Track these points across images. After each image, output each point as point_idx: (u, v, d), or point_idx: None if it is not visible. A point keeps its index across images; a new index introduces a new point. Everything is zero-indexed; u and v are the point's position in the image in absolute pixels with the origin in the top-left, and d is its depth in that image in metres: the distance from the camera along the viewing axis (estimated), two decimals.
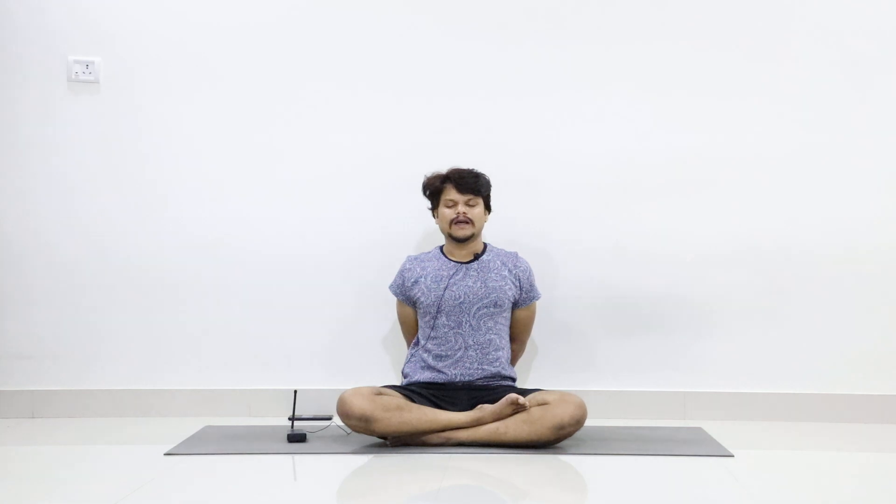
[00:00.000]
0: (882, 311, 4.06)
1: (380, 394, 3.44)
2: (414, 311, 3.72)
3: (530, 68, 4.13)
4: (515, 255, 3.76)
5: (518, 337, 3.82)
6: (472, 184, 3.65)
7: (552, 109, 4.13)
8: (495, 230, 3.84)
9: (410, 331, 3.79)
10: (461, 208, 3.64)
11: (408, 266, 3.74)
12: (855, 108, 4.08)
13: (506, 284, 3.67)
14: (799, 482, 3.05)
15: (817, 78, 4.09)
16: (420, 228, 4.03)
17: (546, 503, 2.92)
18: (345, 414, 3.38)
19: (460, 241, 3.66)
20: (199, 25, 4.14)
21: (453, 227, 3.64)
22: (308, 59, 4.14)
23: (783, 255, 4.09)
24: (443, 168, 3.71)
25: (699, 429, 3.79)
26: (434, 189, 3.69)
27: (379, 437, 3.43)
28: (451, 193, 3.65)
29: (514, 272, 3.70)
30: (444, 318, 3.62)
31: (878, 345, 4.05)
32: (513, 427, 3.38)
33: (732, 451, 3.36)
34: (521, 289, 3.71)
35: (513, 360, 3.82)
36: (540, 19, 4.13)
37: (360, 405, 3.35)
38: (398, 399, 3.44)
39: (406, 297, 3.71)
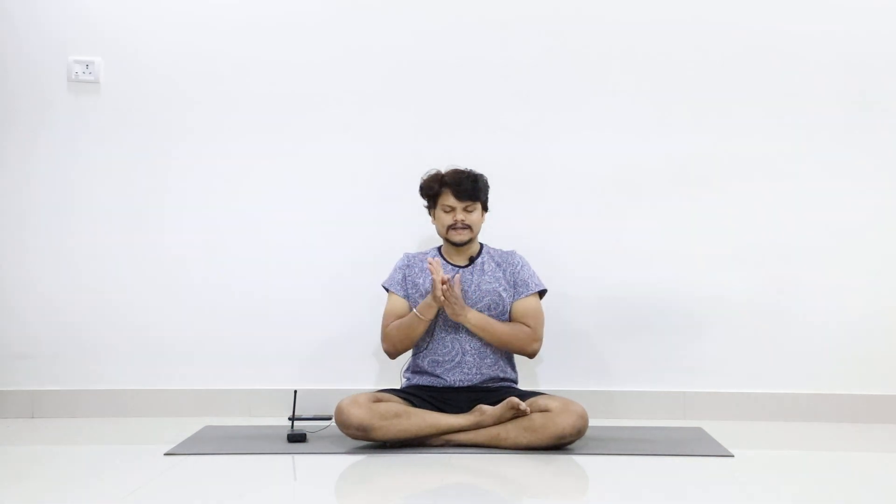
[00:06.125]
0: (882, 311, 4.06)
1: (378, 400, 3.42)
2: (409, 304, 3.70)
3: (532, 69, 4.13)
4: (511, 254, 3.74)
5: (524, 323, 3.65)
6: (470, 190, 3.60)
7: (553, 111, 4.13)
8: (496, 231, 3.83)
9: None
10: (459, 215, 3.60)
11: (407, 263, 3.72)
12: (855, 108, 4.08)
13: (499, 286, 3.65)
14: (799, 482, 3.05)
15: (817, 79, 4.09)
16: (418, 229, 4.02)
17: (546, 502, 2.92)
18: (343, 423, 3.36)
19: (457, 245, 3.66)
20: (199, 26, 4.15)
21: (451, 232, 3.62)
22: (308, 60, 4.14)
23: (783, 255, 4.09)
24: (441, 166, 3.69)
25: (699, 429, 3.79)
26: (431, 192, 3.65)
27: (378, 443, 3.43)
28: (448, 199, 3.61)
29: (508, 270, 3.69)
30: (441, 325, 3.61)
31: (878, 345, 4.05)
32: (513, 434, 3.37)
33: (732, 451, 3.36)
34: (514, 284, 3.69)
35: (522, 339, 3.61)
36: (542, 19, 4.13)
37: (358, 415, 3.34)
38: (396, 405, 3.42)
39: (405, 292, 3.69)
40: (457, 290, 3.49)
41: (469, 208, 3.62)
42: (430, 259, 3.50)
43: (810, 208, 4.09)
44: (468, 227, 3.61)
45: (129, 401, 4.08)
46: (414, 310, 3.57)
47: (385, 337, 3.64)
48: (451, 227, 3.61)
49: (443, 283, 3.44)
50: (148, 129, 4.14)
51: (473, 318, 3.54)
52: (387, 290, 3.71)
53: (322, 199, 4.14)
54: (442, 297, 3.47)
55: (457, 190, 3.59)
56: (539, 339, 3.63)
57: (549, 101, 4.13)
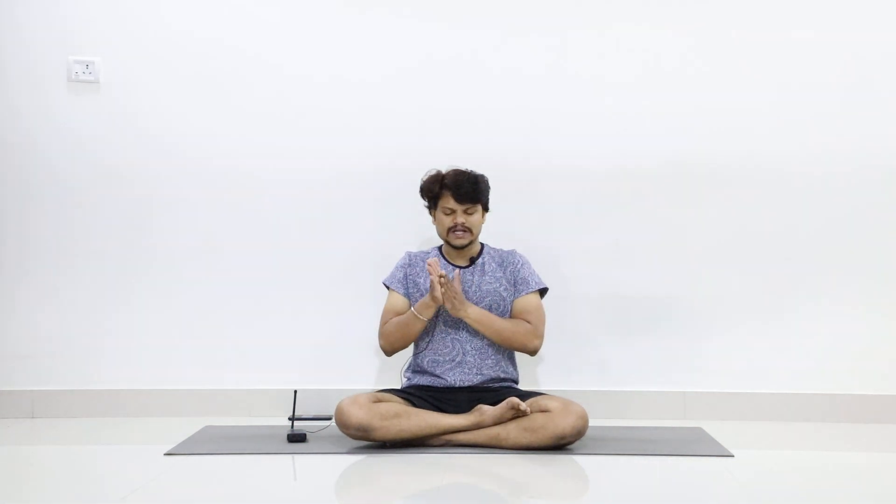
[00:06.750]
0: (882, 311, 4.06)
1: (378, 401, 3.41)
2: (409, 301, 3.68)
3: (531, 66, 4.13)
4: (512, 253, 3.74)
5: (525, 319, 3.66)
6: (470, 192, 3.58)
7: (553, 109, 4.13)
8: (496, 230, 3.83)
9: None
10: (459, 218, 3.59)
11: (408, 261, 3.72)
12: (854, 107, 4.08)
13: (500, 286, 3.65)
14: (799, 482, 3.05)
15: (817, 78, 4.09)
16: (419, 229, 4.02)
17: (546, 502, 2.92)
18: (343, 424, 3.36)
19: (458, 248, 3.66)
20: (198, 25, 4.14)
21: (451, 235, 3.62)
22: (308, 58, 4.14)
23: (783, 255, 4.09)
24: (441, 167, 3.69)
25: (699, 429, 3.79)
26: (432, 194, 3.64)
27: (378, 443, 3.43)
28: (448, 201, 3.60)
29: (508, 269, 3.69)
30: (441, 324, 3.61)
31: (878, 345, 4.05)
32: (513, 434, 3.37)
33: (732, 451, 3.36)
34: (514, 283, 3.69)
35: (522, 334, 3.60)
36: (540, 15, 4.13)
37: (358, 415, 3.33)
38: (397, 405, 3.42)
39: (405, 291, 3.70)
40: (456, 285, 3.49)
41: (469, 210, 3.61)
42: (428, 260, 3.50)
43: (810, 207, 4.09)
44: (468, 230, 3.61)
45: (129, 401, 4.08)
46: (412, 308, 3.57)
47: (382, 334, 3.64)
48: (452, 231, 3.61)
49: (441, 276, 3.44)
50: (147, 129, 4.13)
51: (473, 313, 3.54)
52: (387, 287, 3.71)
53: (322, 198, 4.14)
54: (440, 296, 3.47)
55: (457, 193, 3.58)
56: (540, 336, 3.62)
57: (549, 100, 4.12)
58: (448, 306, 3.50)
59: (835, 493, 2.93)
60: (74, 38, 4.12)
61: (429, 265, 3.47)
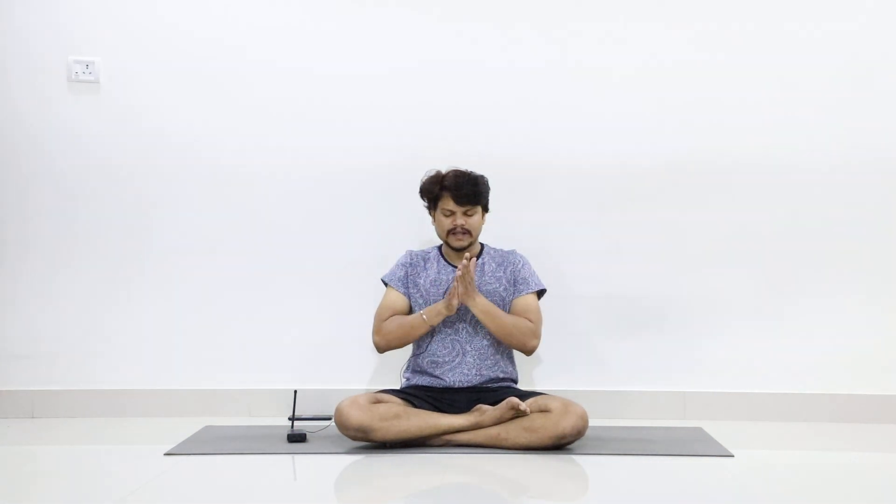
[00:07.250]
0: (882, 312, 4.06)
1: (377, 401, 3.41)
2: (407, 300, 3.69)
3: (531, 67, 4.13)
4: (511, 253, 3.74)
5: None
6: (470, 194, 3.58)
7: (553, 110, 4.13)
8: (495, 231, 3.83)
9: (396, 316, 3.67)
10: (459, 220, 3.59)
11: (409, 260, 3.73)
12: (855, 107, 4.08)
13: (500, 286, 3.65)
14: (799, 482, 3.05)
15: (816, 78, 4.09)
16: (419, 230, 4.02)
17: (546, 502, 2.92)
18: (342, 425, 3.35)
19: (458, 250, 3.65)
20: (198, 25, 4.15)
21: (450, 237, 3.62)
22: (309, 60, 4.14)
23: (783, 254, 4.09)
24: (441, 166, 3.69)
25: (699, 429, 3.79)
26: (432, 195, 3.64)
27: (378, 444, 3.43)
28: (448, 203, 3.60)
29: (508, 269, 3.69)
30: (441, 325, 3.61)
31: (878, 345, 4.05)
32: (513, 434, 3.37)
33: (732, 451, 3.36)
34: (514, 282, 3.68)
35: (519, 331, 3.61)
36: (541, 17, 4.13)
37: (358, 416, 3.33)
38: (396, 406, 3.42)
39: (405, 289, 3.69)
40: (472, 272, 3.48)
41: (469, 212, 3.61)
42: (466, 256, 3.45)
43: (810, 207, 4.09)
44: (468, 231, 3.61)
45: (129, 401, 4.08)
46: (421, 313, 3.57)
47: (379, 330, 3.63)
48: (451, 233, 3.61)
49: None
50: (147, 129, 4.14)
51: (482, 303, 3.54)
52: (386, 284, 3.71)
53: (322, 198, 4.14)
54: (456, 305, 3.48)
55: (457, 195, 3.58)
56: (538, 336, 3.61)
57: (549, 100, 4.13)
58: (461, 290, 3.48)
59: (835, 493, 2.93)
60: (74, 38, 4.12)
61: (466, 260, 3.43)
